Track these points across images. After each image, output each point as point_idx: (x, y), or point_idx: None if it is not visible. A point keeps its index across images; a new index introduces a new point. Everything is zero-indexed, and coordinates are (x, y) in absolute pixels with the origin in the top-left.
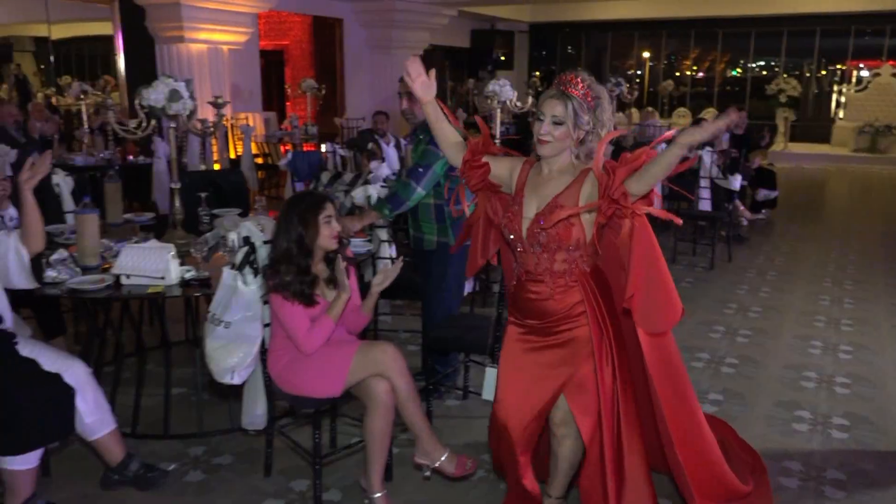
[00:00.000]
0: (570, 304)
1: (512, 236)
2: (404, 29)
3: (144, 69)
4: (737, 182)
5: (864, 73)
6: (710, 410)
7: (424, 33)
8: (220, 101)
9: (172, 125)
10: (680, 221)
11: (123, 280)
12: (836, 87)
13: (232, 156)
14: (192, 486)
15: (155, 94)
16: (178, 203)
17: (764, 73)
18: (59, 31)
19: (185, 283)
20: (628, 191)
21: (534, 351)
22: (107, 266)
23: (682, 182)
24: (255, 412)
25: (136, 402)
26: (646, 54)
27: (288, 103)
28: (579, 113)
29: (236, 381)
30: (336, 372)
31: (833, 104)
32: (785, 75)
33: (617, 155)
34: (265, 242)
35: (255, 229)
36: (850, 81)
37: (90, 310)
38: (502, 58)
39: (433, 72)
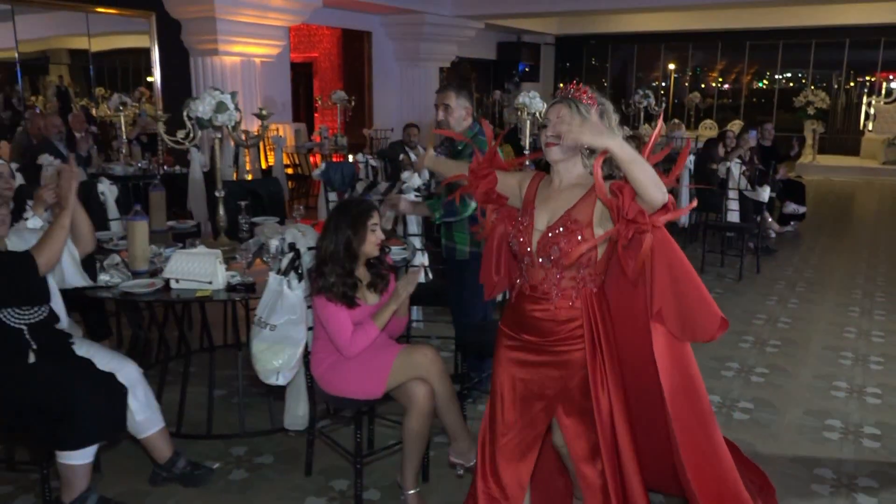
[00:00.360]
0: (572, 325)
1: (520, 249)
2: (432, 42)
3: (179, 81)
4: (765, 194)
5: (894, 85)
6: (740, 419)
7: (452, 46)
8: (264, 112)
9: (218, 136)
10: (695, 203)
11: (173, 284)
12: (864, 99)
13: (263, 166)
14: (236, 483)
15: (202, 106)
16: (221, 211)
17: (791, 84)
18: (98, 44)
19: (231, 288)
20: (642, 207)
21: (524, 367)
22: (155, 271)
23: (711, 194)
24: (296, 413)
25: (181, 404)
26: (671, 66)
27: (316, 115)
28: (585, 115)
29: (281, 382)
30: (378, 374)
31: (862, 116)
32: (812, 87)
33: None
34: (309, 248)
35: (300, 236)
36: (879, 93)
37: (137, 313)
38: (527, 69)
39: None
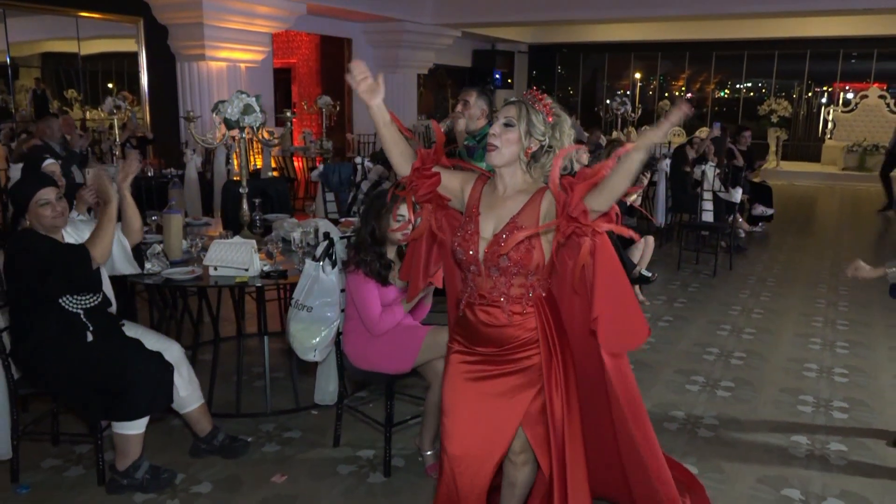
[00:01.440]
0: (528, 331)
1: (466, 258)
2: (411, 49)
3: (166, 86)
4: (737, 195)
5: (850, 95)
6: (722, 396)
7: (430, 53)
8: (288, 114)
9: (243, 136)
10: (638, 238)
11: (211, 271)
12: (824, 108)
13: (250, 168)
14: (270, 454)
15: (231, 108)
16: (245, 206)
17: (752, 94)
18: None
19: (265, 275)
20: (588, 207)
21: (482, 380)
22: (189, 259)
23: (686, 195)
24: (327, 389)
25: (211, 385)
26: (637, 75)
27: (295, 120)
28: (533, 121)
29: (318, 358)
30: (408, 352)
31: (822, 124)
32: (774, 96)
33: None
34: (342, 237)
35: (333, 226)
36: (837, 103)
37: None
38: (499, 77)
39: (381, 76)
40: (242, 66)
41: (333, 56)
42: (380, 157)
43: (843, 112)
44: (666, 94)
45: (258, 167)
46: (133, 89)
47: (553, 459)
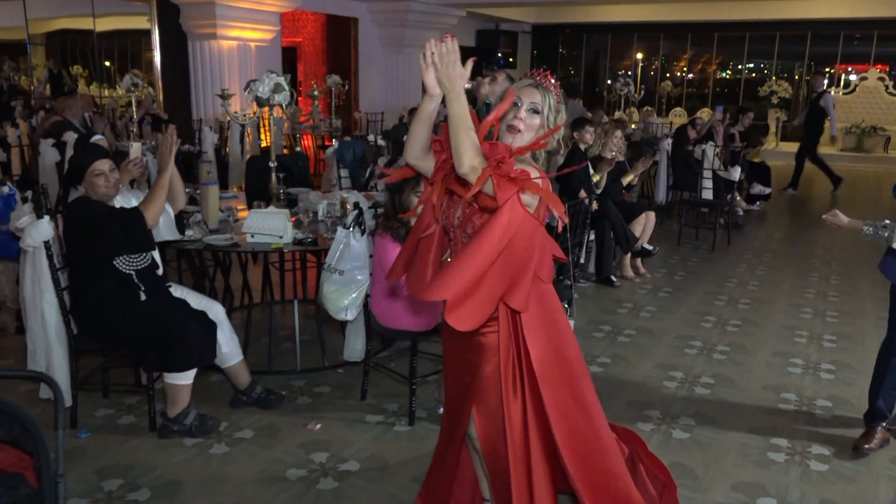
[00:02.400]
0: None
1: (447, 223)
2: (417, 28)
3: (178, 64)
4: (736, 173)
5: (852, 77)
6: (718, 359)
7: (435, 33)
8: (315, 92)
9: (272, 113)
10: (566, 218)
11: (249, 238)
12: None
13: (263, 145)
14: (303, 406)
15: (262, 87)
16: (273, 180)
17: (753, 74)
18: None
19: (297, 242)
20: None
21: (450, 354)
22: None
23: (688, 173)
24: (355, 347)
25: (245, 345)
26: (639, 55)
27: (300, 98)
28: (552, 107)
29: (349, 317)
30: (432, 311)
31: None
32: (775, 78)
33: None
34: (370, 207)
35: (363, 197)
36: (838, 85)
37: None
38: (503, 57)
39: (469, 62)
40: (252, 45)
41: (339, 35)
42: (392, 135)
43: (843, 94)
44: (667, 75)
45: (269, 145)
46: (142, 67)
47: (512, 460)
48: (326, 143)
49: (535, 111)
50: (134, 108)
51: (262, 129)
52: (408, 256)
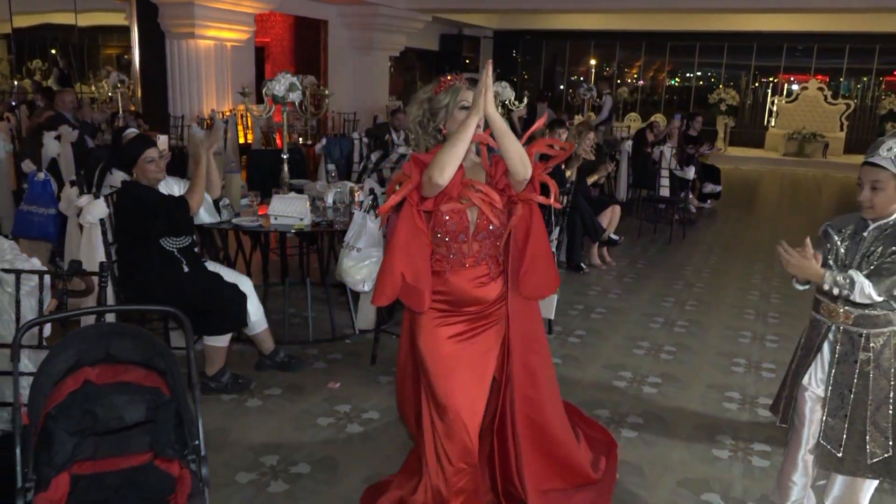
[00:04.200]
0: (500, 288)
1: (458, 227)
2: (384, 32)
3: (155, 62)
4: (690, 173)
5: (795, 87)
6: (678, 332)
7: (402, 36)
8: (326, 92)
9: (285, 110)
10: (558, 204)
11: (272, 220)
12: (769, 98)
13: (241, 141)
14: (320, 370)
15: (278, 86)
16: (285, 170)
17: (701, 83)
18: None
19: (315, 224)
20: (510, 180)
21: (467, 340)
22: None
23: (646, 173)
24: (368, 316)
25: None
26: (592, 62)
27: (269, 98)
28: (496, 101)
29: (366, 288)
30: None
31: (766, 113)
32: (723, 86)
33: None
34: (383, 193)
35: (377, 184)
36: (781, 93)
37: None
38: (466, 61)
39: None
40: (228, 44)
41: (308, 36)
42: (374, 134)
43: (786, 102)
44: (618, 81)
45: (249, 141)
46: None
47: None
48: (313, 141)
49: (465, 108)
50: (119, 105)
51: (239, 127)
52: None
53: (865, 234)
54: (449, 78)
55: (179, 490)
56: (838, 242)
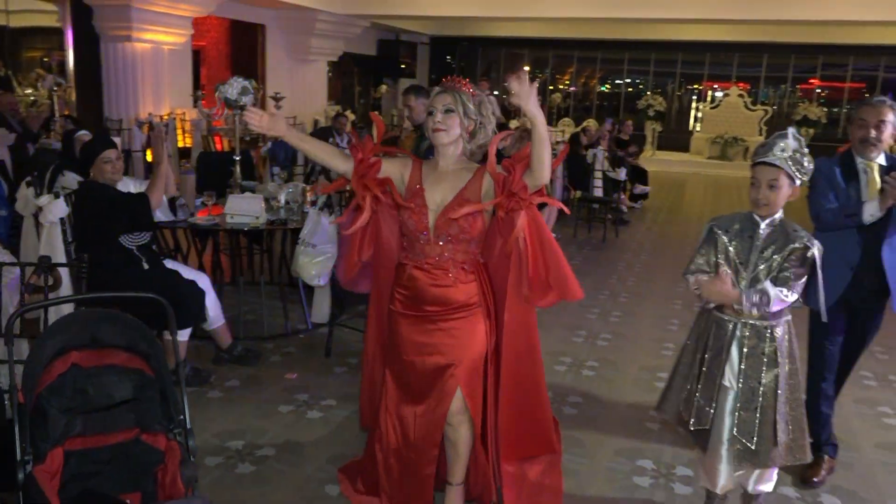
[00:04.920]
0: (470, 294)
1: (417, 228)
2: (323, 37)
3: (90, 64)
4: (622, 174)
5: (718, 94)
6: (613, 321)
7: (340, 42)
8: (278, 95)
9: (238, 113)
10: (568, 211)
11: (228, 219)
12: (693, 105)
13: (180, 145)
14: (276, 363)
15: (230, 89)
16: (237, 171)
17: (630, 90)
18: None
19: (270, 222)
20: (526, 183)
21: (428, 334)
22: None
23: (580, 174)
24: (322, 310)
25: None
26: (526, 68)
27: (203, 102)
28: (466, 103)
29: (321, 283)
30: None
31: (692, 119)
32: (650, 93)
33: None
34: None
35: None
36: (705, 100)
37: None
38: (403, 66)
39: (272, 108)
40: (165, 48)
41: (245, 41)
42: (319, 137)
43: (710, 108)
44: (550, 87)
45: (189, 145)
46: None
47: (488, 412)
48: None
49: (450, 111)
50: (56, 107)
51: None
52: (357, 253)
53: (760, 230)
54: (444, 80)
55: (170, 460)
56: (726, 241)
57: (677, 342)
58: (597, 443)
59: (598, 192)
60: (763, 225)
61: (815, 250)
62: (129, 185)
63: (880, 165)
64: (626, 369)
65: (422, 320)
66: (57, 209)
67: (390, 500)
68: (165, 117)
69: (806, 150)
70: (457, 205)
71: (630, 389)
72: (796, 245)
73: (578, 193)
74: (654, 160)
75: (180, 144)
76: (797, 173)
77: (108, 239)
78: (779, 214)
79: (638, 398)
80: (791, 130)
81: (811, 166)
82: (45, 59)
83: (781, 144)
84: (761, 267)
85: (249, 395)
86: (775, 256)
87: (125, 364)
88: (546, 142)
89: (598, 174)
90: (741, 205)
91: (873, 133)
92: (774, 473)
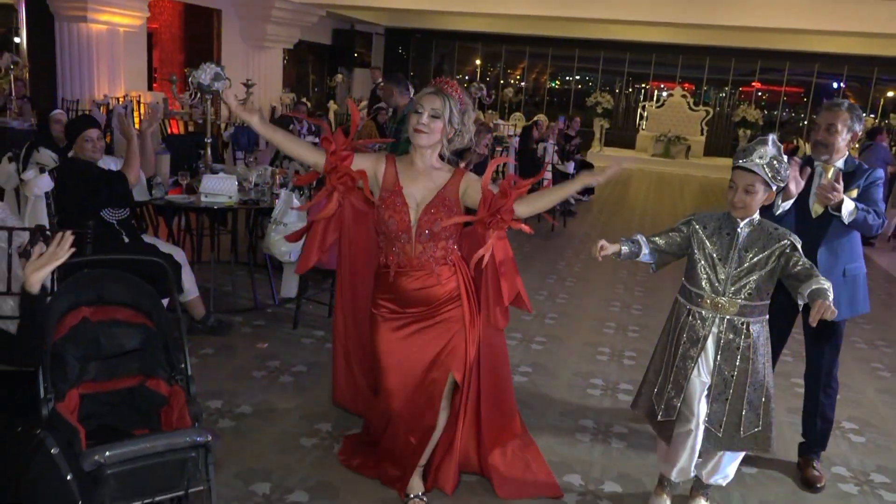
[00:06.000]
0: (451, 290)
1: (399, 227)
2: (279, 24)
3: (43, 44)
4: (571, 167)
5: (663, 94)
6: (560, 303)
7: (296, 30)
8: (250, 82)
9: (210, 97)
10: (531, 231)
11: (203, 198)
12: (640, 103)
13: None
14: (247, 334)
15: (203, 75)
16: (209, 153)
17: (580, 86)
18: None
19: (242, 202)
20: (515, 211)
21: (412, 335)
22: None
23: (531, 167)
24: (291, 285)
25: None
26: (477, 61)
27: (155, 85)
28: (454, 111)
29: (293, 259)
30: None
31: (637, 117)
32: (598, 90)
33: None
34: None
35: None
36: (651, 99)
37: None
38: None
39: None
40: (121, 30)
41: (199, 25)
42: (280, 124)
43: (655, 107)
44: (500, 82)
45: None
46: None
47: (464, 399)
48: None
49: (436, 116)
50: (13, 87)
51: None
52: (320, 241)
53: (739, 230)
54: (434, 81)
55: (174, 401)
56: (704, 237)
57: (618, 321)
58: (545, 405)
59: (548, 185)
60: (742, 224)
61: (796, 241)
62: (110, 164)
63: (839, 169)
64: (571, 344)
65: (409, 321)
66: (43, 183)
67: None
68: (122, 100)
69: (784, 157)
70: (439, 203)
71: (574, 361)
72: (784, 242)
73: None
74: (601, 156)
75: (137, 128)
76: (773, 180)
77: (90, 213)
78: (756, 215)
79: (581, 368)
80: (771, 137)
81: (787, 173)
82: (10, 38)
83: (761, 151)
84: (745, 265)
85: (224, 362)
86: (759, 256)
87: (129, 319)
88: (556, 201)
89: (548, 167)
90: (681, 200)
91: (821, 136)
92: (732, 469)
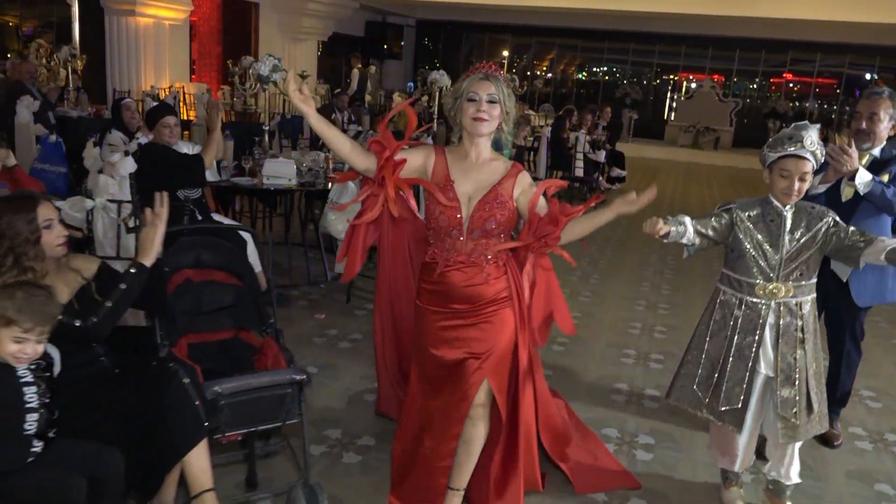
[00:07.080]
0: (499, 290)
1: (450, 223)
2: (314, 17)
3: (95, 37)
4: (601, 156)
5: (693, 85)
6: (583, 301)
7: (330, 22)
8: (305, 73)
9: (266, 87)
10: (574, 263)
11: (265, 180)
12: (669, 95)
13: (183, 118)
14: (304, 306)
15: (263, 66)
16: (266, 140)
17: (607, 78)
18: None
19: (301, 185)
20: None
21: (452, 331)
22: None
23: (563, 156)
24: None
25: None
26: (505, 52)
27: (193, 77)
28: (506, 94)
29: None
30: None
31: (666, 108)
32: (625, 81)
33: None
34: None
35: None
36: (680, 90)
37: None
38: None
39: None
40: (167, 23)
41: (237, 18)
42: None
43: (684, 99)
44: (527, 73)
45: (191, 118)
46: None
47: (522, 406)
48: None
49: (493, 101)
50: (70, 78)
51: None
52: (363, 247)
53: (786, 214)
54: (476, 66)
55: (267, 349)
56: (749, 224)
57: (644, 322)
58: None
59: (580, 173)
60: (786, 209)
61: (833, 215)
62: (184, 148)
63: (873, 157)
64: (594, 345)
65: (450, 316)
66: (128, 165)
67: (398, 499)
68: (168, 91)
69: (821, 143)
70: (493, 199)
71: (597, 364)
72: (827, 220)
73: (560, 173)
74: (629, 146)
75: (182, 117)
76: (817, 164)
77: (167, 192)
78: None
79: (604, 372)
80: (810, 124)
81: (823, 157)
82: (40, 30)
83: (810, 137)
84: (795, 248)
85: (286, 330)
86: (807, 237)
87: (224, 280)
88: (592, 229)
89: (580, 156)
90: (709, 191)
91: (864, 124)
92: (797, 460)
